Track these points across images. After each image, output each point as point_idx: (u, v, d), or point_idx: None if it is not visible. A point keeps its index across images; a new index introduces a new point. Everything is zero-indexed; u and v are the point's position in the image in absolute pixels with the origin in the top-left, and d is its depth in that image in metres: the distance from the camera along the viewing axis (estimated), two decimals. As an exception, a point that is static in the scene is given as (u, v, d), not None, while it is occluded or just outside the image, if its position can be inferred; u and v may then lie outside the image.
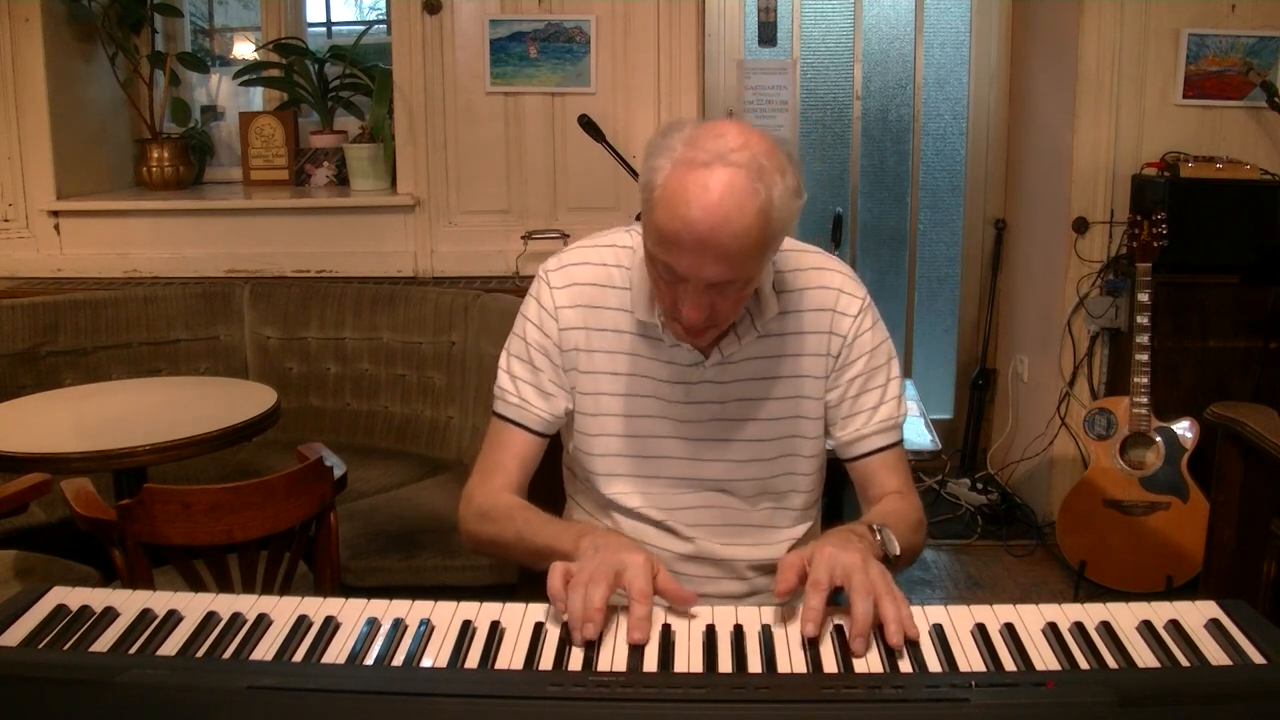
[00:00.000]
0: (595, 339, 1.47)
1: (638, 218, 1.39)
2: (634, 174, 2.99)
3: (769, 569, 1.49)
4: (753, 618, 1.15)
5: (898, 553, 1.29)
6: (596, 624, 1.10)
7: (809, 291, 1.47)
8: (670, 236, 1.23)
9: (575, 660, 1.07)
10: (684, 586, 1.19)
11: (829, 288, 1.47)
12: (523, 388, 1.48)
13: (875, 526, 1.30)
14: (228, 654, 1.07)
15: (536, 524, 1.38)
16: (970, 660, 1.06)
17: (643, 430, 1.48)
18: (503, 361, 1.51)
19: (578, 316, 1.46)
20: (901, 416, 1.50)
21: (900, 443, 1.51)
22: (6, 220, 3.56)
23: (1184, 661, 1.05)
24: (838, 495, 2.43)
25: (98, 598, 1.16)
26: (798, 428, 1.49)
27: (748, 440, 1.48)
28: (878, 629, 1.10)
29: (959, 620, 1.13)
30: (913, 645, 1.09)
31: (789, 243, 1.47)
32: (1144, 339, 3.04)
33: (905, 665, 1.05)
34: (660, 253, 1.26)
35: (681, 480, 1.49)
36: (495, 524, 1.43)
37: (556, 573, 1.16)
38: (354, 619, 1.13)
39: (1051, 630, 1.11)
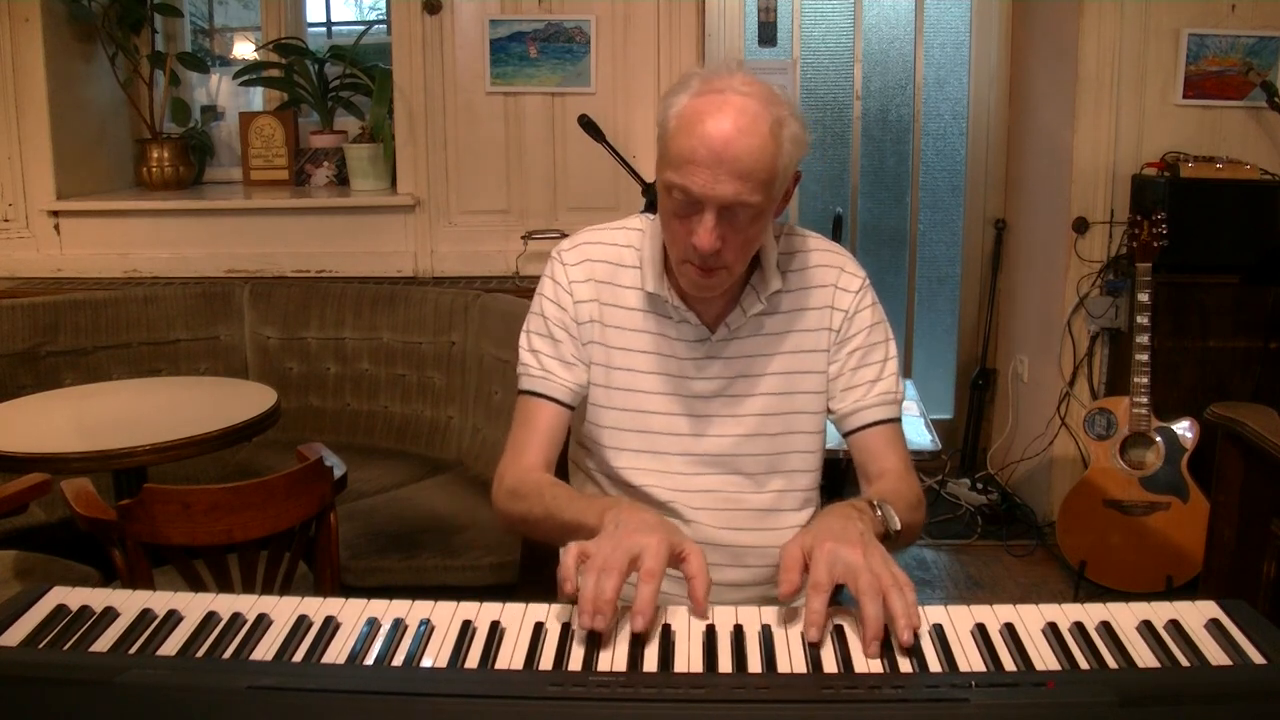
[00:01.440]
0: (607, 314, 1.51)
1: (641, 212, 1.41)
2: (634, 174, 2.99)
3: (770, 555, 1.51)
4: (753, 618, 1.15)
5: (898, 527, 1.31)
6: (607, 616, 1.09)
7: (811, 270, 1.52)
8: (688, 155, 1.30)
9: (575, 660, 1.07)
10: (707, 587, 1.17)
11: (831, 266, 1.53)
12: (545, 360, 1.51)
13: (875, 502, 1.32)
14: (228, 654, 1.07)
15: (564, 499, 1.39)
16: (970, 660, 1.06)
17: (651, 404, 1.51)
18: (523, 341, 1.54)
19: (591, 291, 1.51)
20: (900, 394, 1.53)
21: (898, 420, 1.53)
22: (6, 220, 3.56)
23: (1184, 661, 1.05)
24: (838, 491, 2.44)
25: (98, 598, 1.16)
26: (801, 402, 1.52)
27: (753, 414, 1.51)
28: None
29: (959, 620, 1.13)
30: (914, 641, 1.09)
31: (792, 228, 1.54)
32: (1144, 339, 3.04)
33: (905, 665, 1.05)
34: (677, 177, 1.32)
35: (689, 456, 1.52)
36: (525, 501, 1.44)
37: (570, 553, 1.16)
38: (354, 619, 1.13)
39: (1051, 630, 1.10)
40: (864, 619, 1.09)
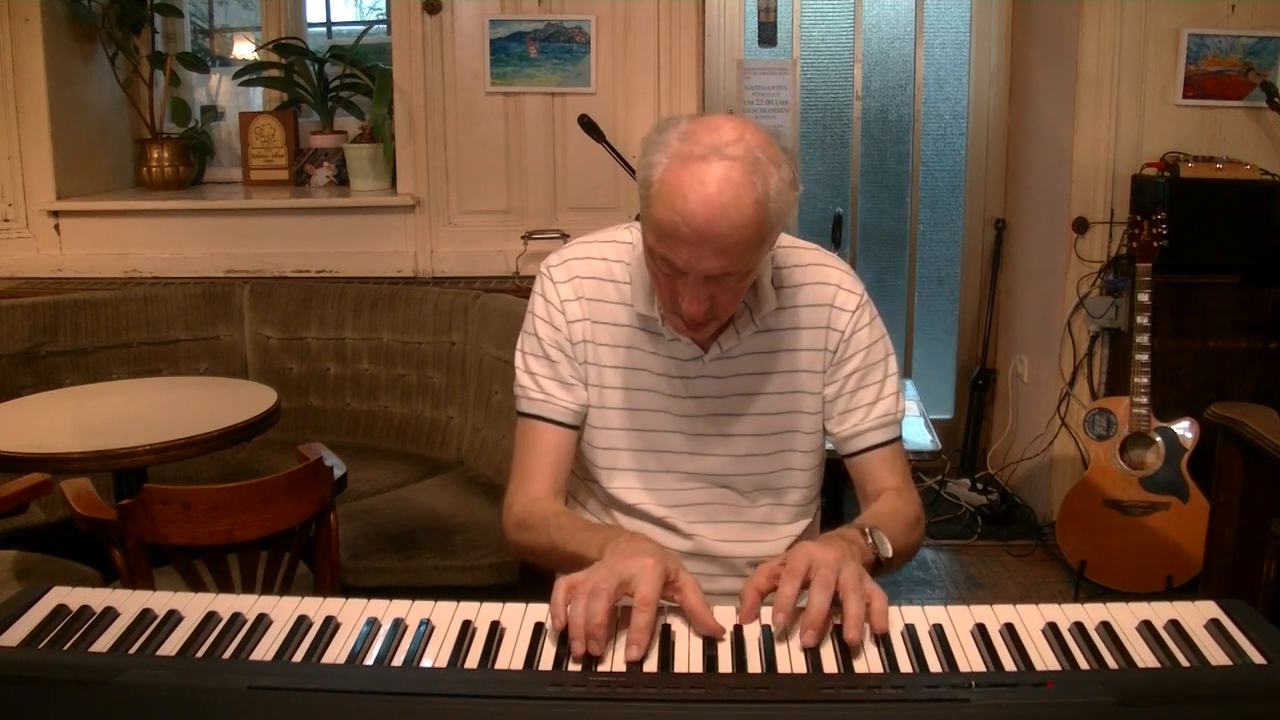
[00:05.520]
0: (599, 332, 1.48)
1: (637, 217, 1.40)
2: (634, 174, 2.99)
3: None
4: (752, 618, 1.15)
5: (889, 554, 1.29)
6: (600, 640, 1.06)
7: (807, 287, 1.48)
8: (669, 230, 1.24)
9: (575, 660, 1.07)
10: (711, 614, 1.13)
11: (827, 283, 1.48)
12: (543, 382, 1.49)
13: (867, 529, 1.30)
14: (228, 654, 1.07)
15: (569, 530, 1.36)
16: (970, 660, 1.06)
17: (643, 424, 1.49)
18: (518, 361, 1.51)
19: (581, 309, 1.48)
20: (899, 413, 1.51)
21: (898, 439, 1.51)
22: (6, 220, 3.56)
23: (1184, 661, 1.05)
24: (837, 495, 2.44)
25: (98, 598, 1.16)
26: (795, 422, 1.50)
27: (746, 435, 1.49)
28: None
29: (959, 620, 1.12)
30: (882, 640, 1.08)
31: (788, 240, 1.50)
32: (1144, 339, 3.04)
33: (905, 665, 1.05)
34: (659, 247, 1.27)
35: (682, 474, 1.50)
36: (532, 533, 1.42)
37: (560, 588, 1.12)
38: (354, 619, 1.13)
39: (1051, 630, 1.10)
40: (808, 607, 1.09)
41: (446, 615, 1.14)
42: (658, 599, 1.11)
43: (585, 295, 1.48)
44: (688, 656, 1.08)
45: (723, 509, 1.51)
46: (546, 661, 1.06)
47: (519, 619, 1.14)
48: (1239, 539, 2.33)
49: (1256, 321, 3.22)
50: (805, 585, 1.13)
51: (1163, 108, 3.35)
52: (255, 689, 0.96)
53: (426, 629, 1.11)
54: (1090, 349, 3.48)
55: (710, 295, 1.30)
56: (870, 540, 1.28)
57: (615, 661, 1.07)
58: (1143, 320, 3.04)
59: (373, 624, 1.12)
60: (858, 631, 1.07)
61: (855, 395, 1.48)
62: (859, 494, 1.51)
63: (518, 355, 1.52)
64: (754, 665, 1.06)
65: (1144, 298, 3.05)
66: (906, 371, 4.21)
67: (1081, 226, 3.42)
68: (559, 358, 1.48)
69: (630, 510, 1.51)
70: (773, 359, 1.48)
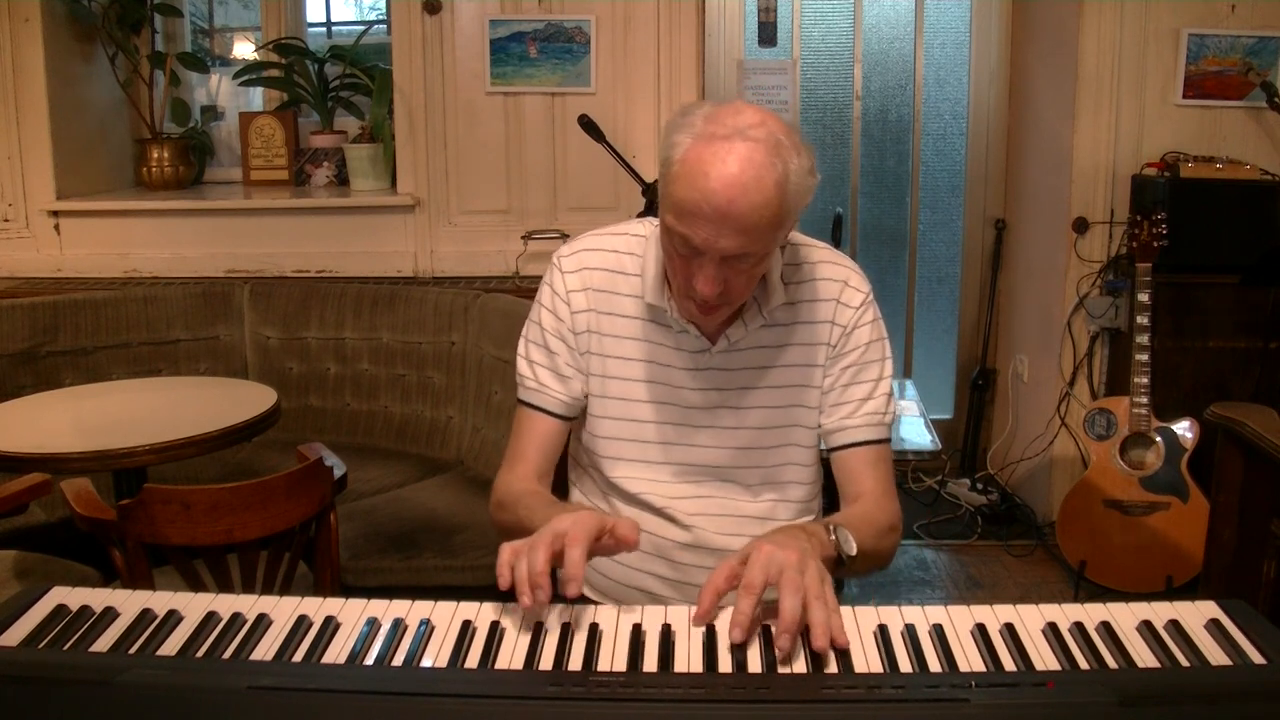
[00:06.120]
0: (606, 323, 1.50)
1: (639, 216, 1.40)
2: (634, 174, 2.99)
3: None
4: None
5: (853, 553, 1.28)
6: (545, 589, 1.11)
7: (816, 282, 1.50)
8: (690, 208, 1.26)
9: (575, 660, 1.07)
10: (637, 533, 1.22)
11: (835, 280, 1.50)
12: (540, 372, 1.51)
13: (831, 526, 1.30)
14: (228, 654, 1.07)
15: (535, 508, 1.39)
16: (970, 660, 1.06)
17: (648, 414, 1.50)
18: (520, 349, 1.54)
19: (589, 300, 1.50)
20: (889, 416, 1.51)
21: (885, 442, 1.51)
22: (6, 220, 3.56)
23: (1184, 661, 1.05)
24: (837, 494, 2.44)
25: (98, 598, 1.16)
26: (798, 416, 1.51)
27: (751, 427, 1.50)
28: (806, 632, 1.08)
29: (959, 620, 1.13)
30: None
31: (798, 237, 1.52)
32: (1144, 339, 3.04)
33: (905, 665, 1.05)
34: (678, 225, 1.28)
35: (684, 465, 1.51)
36: (507, 512, 1.45)
37: (505, 551, 1.16)
38: (354, 619, 1.13)
39: (1051, 630, 1.11)
40: (779, 613, 1.08)
41: (446, 615, 1.14)
42: (588, 537, 1.16)
43: (593, 286, 1.50)
44: (688, 656, 1.08)
45: (724, 501, 1.52)
46: (546, 661, 1.07)
47: (519, 619, 1.14)
48: (1239, 539, 2.33)
49: (1256, 321, 3.22)
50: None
51: (1163, 108, 3.35)
52: (255, 689, 0.96)
53: (426, 629, 1.11)
54: (1090, 349, 3.48)
55: (725, 278, 1.31)
56: (833, 537, 1.28)
57: (615, 661, 1.07)
58: (1143, 320, 3.04)
59: (373, 624, 1.12)
60: (826, 639, 1.06)
61: (848, 390, 1.49)
62: (840, 496, 1.51)
63: (521, 342, 1.55)
64: (754, 665, 1.06)
65: (1144, 298, 3.05)
66: (906, 371, 4.21)
67: (1081, 226, 3.42)
68: (559, 348, 1.50)
69: (631, 499, 1.52)
70: (779, 352, 1.49)
